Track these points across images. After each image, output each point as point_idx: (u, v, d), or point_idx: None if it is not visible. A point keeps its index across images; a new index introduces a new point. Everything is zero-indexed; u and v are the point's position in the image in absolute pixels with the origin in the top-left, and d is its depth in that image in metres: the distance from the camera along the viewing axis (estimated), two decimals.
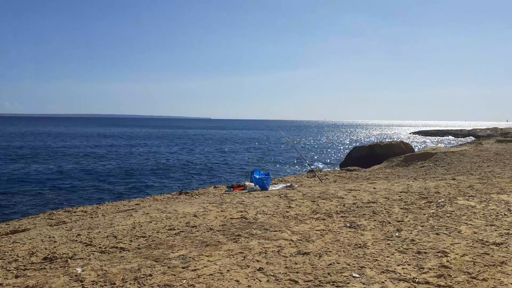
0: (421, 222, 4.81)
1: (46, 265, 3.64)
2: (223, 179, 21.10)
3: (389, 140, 27.52)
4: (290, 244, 4.00)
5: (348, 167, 14.76)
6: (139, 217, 5.72)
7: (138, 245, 4.21)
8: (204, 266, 3.36)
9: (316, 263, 3.41)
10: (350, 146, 44.65)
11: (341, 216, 5.26)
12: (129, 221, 5.47)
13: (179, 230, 4.80)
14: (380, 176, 11.36)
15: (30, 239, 4.76)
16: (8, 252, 4.18)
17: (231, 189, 9.37)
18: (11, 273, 3.49)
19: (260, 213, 5.64)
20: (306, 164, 19.43)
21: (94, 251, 4.04)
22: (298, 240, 4.15)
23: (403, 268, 3.26)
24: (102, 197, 15.27)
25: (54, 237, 4.78)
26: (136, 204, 7.88)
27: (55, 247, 4.27)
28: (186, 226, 5.03)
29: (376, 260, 3.47)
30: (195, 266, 3.37)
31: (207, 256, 3.66)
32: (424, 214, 5.24)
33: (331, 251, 3.74)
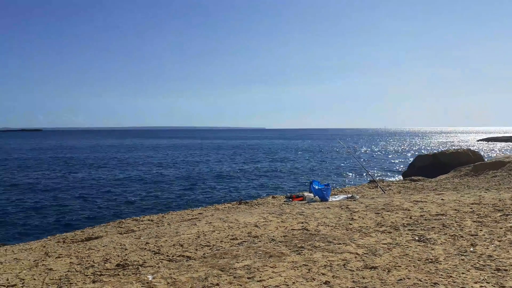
0: (498, 237, 4.48)
1: (120, 272, 3.84)
2: (280, 189, 21.09)
3: (454, 148, 26.01)
4: (355, 257, 3.89)
5: (412, 177, 14.14)
6: (203, 226, 5.87)
7: (204, 254, 4.31)
8: (270, 277, 3.36)
9: (385, 278, 3.29)
10: (411, 155, 42.80)
11: (409, 229, 5.03)
12: (194, 230, 5.63)
13: (241, 240, 4.86)
14: (448, 187, 10.75)
15: (104, 246, 5.05)
16: (85, 258, 4.46)
17: (290, 199, 9.32)
18: (88, 278, 3.72)
19: (321, 225, 5.55)
20: (367, 174, 18.89)
21: (162, 259, 4.19)
22: (364, 253, 4.02)
23: (481, 286, 3.05)
24: (166, 206, 15.89)
25: (125, 244, 5.03)
26: (199, 213, 8.09)
27: (126, 254, 4.49)
28: (248, 236, 5.08)
29: (450, 276, 3.28)
30: (260, 277, 3.38)
31: (271, 267, 3.66)
32: (501, 228, 4.87)
33: (400, 266, 3.58)
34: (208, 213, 8.27)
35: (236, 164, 35.88)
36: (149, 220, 7.56)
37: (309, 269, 3.57)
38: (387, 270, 3.47)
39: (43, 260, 4.50)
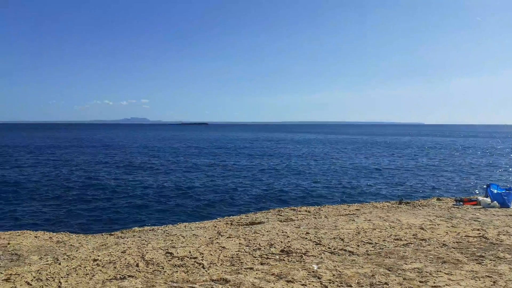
0: None
1: (284, 257, 3.99)
2: (444, 190, 19.19)
3: None
4: None
5: None
6: (362, 223, 5.70)
7: (367, 250, 4.17)
8: (446, 284, 3.05)
9: None
10: None
11: None
12: (352, 226, 5.51)
13: (407, 242, 4.55)
14: None
15: (267, 231, 5.33)
16: (251, 240, 4.79)
17: (460, 203, 8.35)
18: (256, 259, 3.96)
19: (503, 234, 4.82)
20: None
21: (324, 251, 4.20)
22: None
23: None
24: (319, 199, 16.10)
25: (286, 232, 5.23)
26: (356, 209, 7.91)
27: (289, 241, 4.64)
28: (414, 238, 4.72)
29: None
30: (434, 283, 3.09)
31: (446, 273, 3.32)
32: None
33: None
34: (365, 210, 8.02)
35: (390, 161, 34.06)
36: (306, 211, 7.72)
37: (494, 282, 3.11)
38: None
39: (217, 239, 4.98)
